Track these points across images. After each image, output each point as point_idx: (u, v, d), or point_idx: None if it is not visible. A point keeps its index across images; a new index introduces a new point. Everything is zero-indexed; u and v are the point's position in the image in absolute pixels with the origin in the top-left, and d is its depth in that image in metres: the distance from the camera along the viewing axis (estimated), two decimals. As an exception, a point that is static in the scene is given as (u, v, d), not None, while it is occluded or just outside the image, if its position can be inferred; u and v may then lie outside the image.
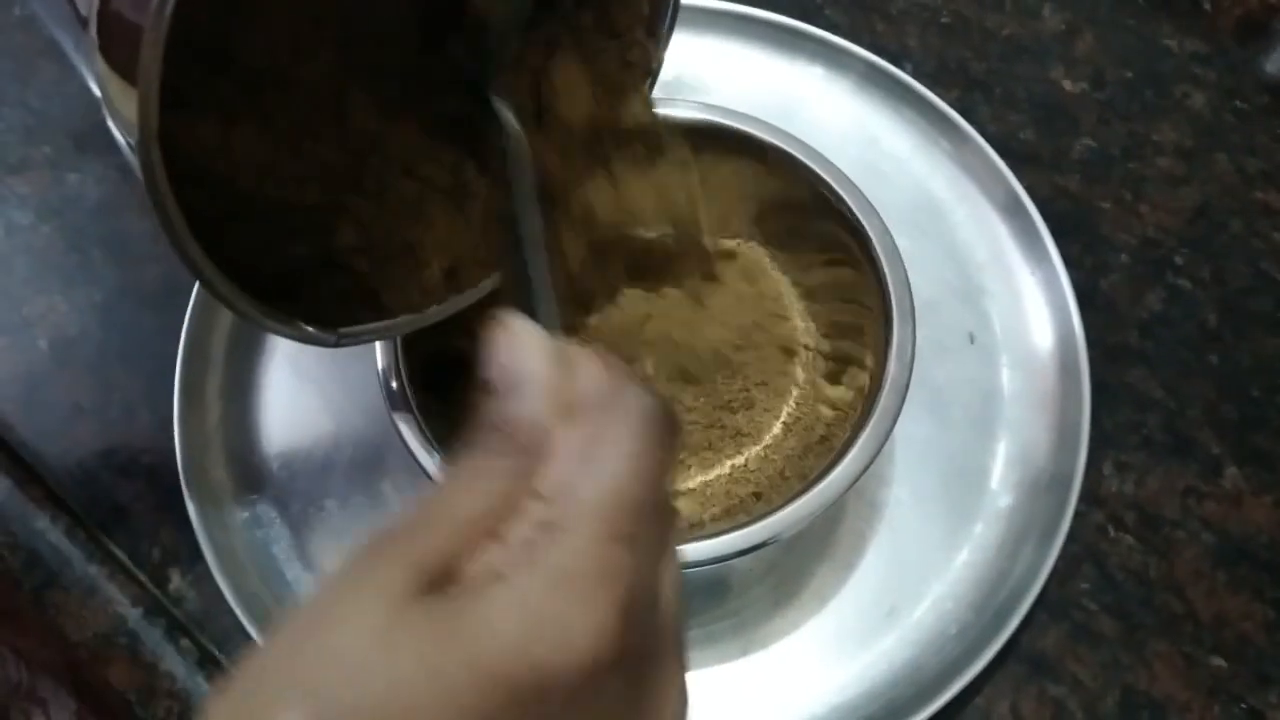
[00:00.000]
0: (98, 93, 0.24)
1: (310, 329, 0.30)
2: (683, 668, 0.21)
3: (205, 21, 0.23)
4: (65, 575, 0.42)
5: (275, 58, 0.30)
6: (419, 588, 0.19)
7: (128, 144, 0.23)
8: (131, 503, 0.44)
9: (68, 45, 0.26)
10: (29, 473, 0.45)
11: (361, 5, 0.32)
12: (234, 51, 0.28)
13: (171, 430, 0.44)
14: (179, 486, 0.42)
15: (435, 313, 0.34)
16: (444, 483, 0.21)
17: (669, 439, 0.21)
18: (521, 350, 0.22)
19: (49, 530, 0.43)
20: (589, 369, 0.22)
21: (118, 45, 0.22)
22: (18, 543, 0.43)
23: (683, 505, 0.39)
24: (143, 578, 0.43)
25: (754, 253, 0.44)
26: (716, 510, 0.39)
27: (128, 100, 0.22)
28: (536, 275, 0.28)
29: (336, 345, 0.32)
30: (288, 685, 0.18)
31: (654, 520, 0.20)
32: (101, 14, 0.22)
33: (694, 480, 0.40)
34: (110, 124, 0.24)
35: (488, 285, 0.36)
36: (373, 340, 0.35)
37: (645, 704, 0.20)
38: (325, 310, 0.31)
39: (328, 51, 0.31)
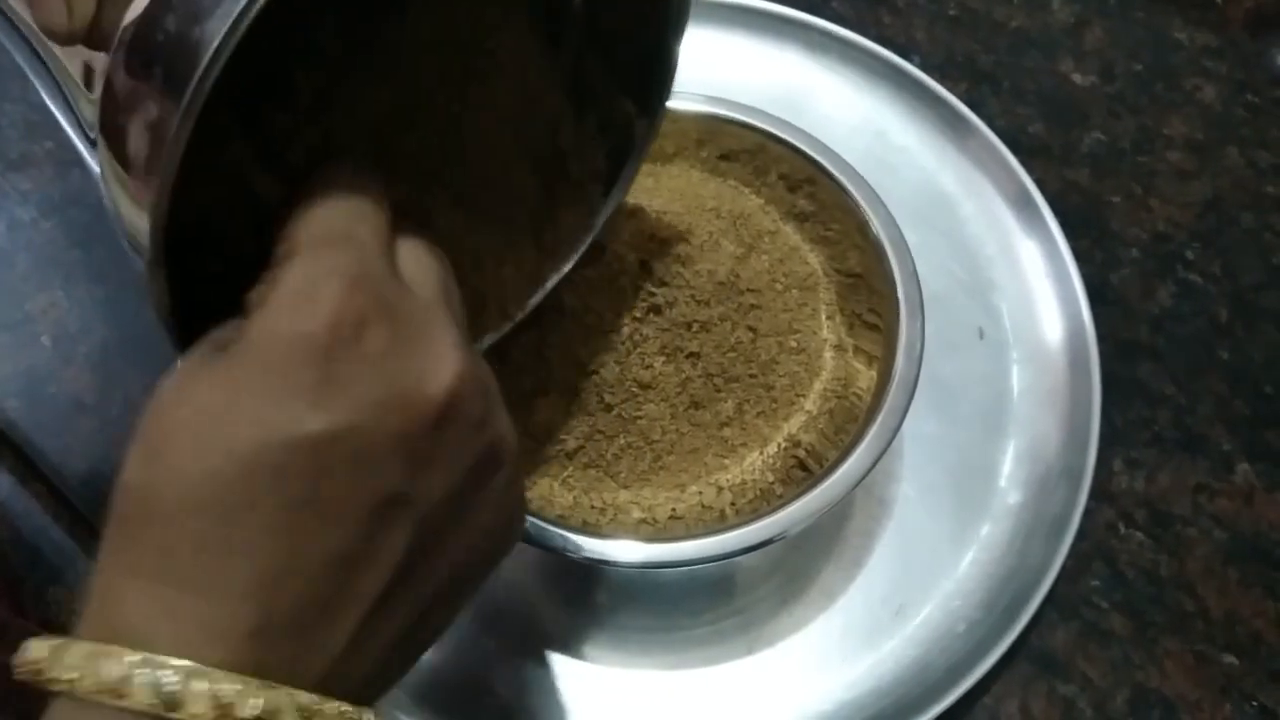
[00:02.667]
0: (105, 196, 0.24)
1: None
2: (452, 328, 0.25)
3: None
4: (67, 572, 0.42)
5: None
6: (211, 349, 0.23)
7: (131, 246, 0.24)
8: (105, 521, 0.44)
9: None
10: (31, 469, 0.45)
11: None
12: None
13: (174, 426, 0.43)
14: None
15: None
16: None
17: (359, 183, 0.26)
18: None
19: (51, 527, 0.43)
20: None
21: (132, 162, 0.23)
22: (19, 540, 0.43)
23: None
24: (145, 575, 0.43)
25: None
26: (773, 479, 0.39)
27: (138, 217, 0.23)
28: None
29: None
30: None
31: (360, 225, 0.25)
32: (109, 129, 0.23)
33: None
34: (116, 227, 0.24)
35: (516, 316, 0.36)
36: None
37: (405, 339, 0.23)
38: None
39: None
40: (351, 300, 0.22)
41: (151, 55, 0.21)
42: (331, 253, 0.23)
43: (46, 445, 0.45)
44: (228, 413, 0.21)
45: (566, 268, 0.37)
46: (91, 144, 0.24)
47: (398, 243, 0.26)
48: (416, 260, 0.26)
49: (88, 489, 0.44)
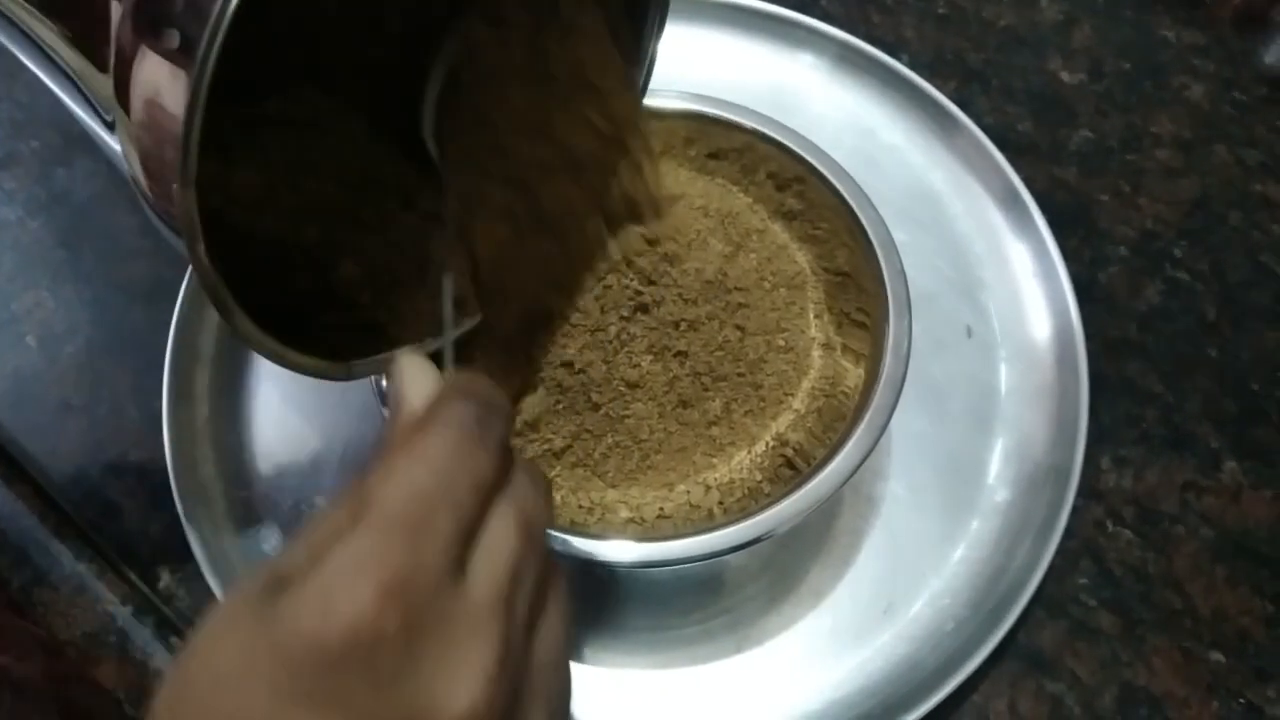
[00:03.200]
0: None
1: (323, 363, 0.30)
2: (495, 642, 0.23)
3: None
4: (54, 573, 0.42)
5: (274, 96, 0.29)
6: (264, 590, 0.22)
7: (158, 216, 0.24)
8: (120, 500, 0.44)
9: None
10: (16, 470, 0.44)
11: (357, 36, 0.31)
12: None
13: (161, 427, 0.43)
14: (168, 483, 0.42)
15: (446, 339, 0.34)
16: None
17: (475, 448, 0.24)
18: (401, 380, 0.26)
19: (37, 528, 0.43)
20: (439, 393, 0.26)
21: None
22: (5, 540, 0.42)
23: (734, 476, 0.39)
24: (132, 576, 0.42)
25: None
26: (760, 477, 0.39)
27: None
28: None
29: (349, 379, 0.31)
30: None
31: (442, 511, 0.23)
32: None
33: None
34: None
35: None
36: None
37: (437, 659, 0.22)
38: (334, 343, 0.31)
39: (324, 87, 0.31)
40: (378, 611, 0.21)
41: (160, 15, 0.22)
42: (388, 544, 0.22)
43: (32, 445, 0.45)
44: (237, 695, 0.21)
45: None
46: (109, 126, 0.24)
47: (497, 500, 0.24)
48: (499, 537, 0.24)
49: (74, 489, 0.44)
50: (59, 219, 0.51)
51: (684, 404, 0.38)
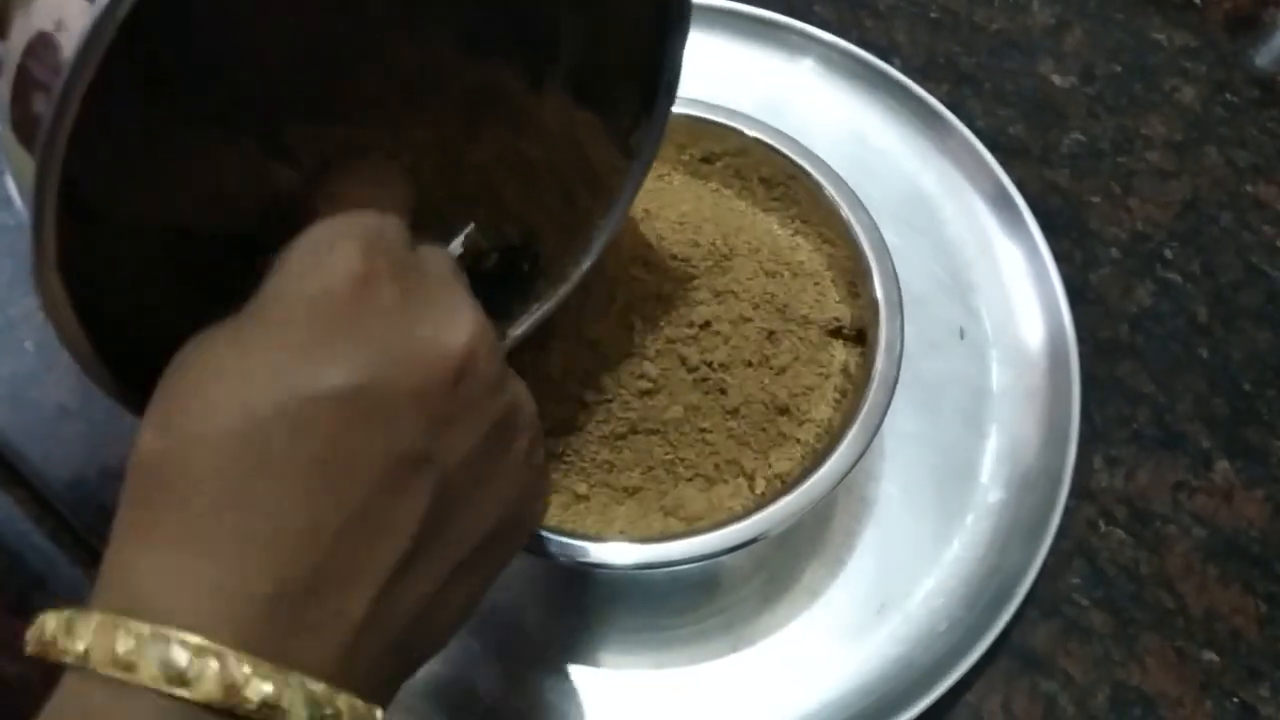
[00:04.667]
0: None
1: None
2: (462, 288, 0.26)
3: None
4: (51, 578, 0.42)
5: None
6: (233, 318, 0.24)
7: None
8: (118, 505, 0.44)
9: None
10: (14, 475, 0.44)
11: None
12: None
13: (157, 431, 0.43)
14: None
15: None
16: None
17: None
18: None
19: (33, 533, 0.43)
20: None
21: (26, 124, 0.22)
22: (2, 545, 0.43)
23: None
24: (129, 580, 0.42)
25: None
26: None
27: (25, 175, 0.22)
28: None
29: None
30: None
31: (382, 190, 0.26)
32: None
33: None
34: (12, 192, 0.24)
35: None
36: None
37: (420, 299, 0.24)
38: None
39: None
40: (368, 258, 0.23)
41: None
42: (349, 216, 0.24)
43: (29, 450, 0.45)
44: (243, 372, 0.22)
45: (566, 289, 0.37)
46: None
47: (415, 235, 0.26)
48: (430, 246, 0.27)
49: (71, 494, 0.44)
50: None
51: (680, 427, 0.38)
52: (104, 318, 0.24)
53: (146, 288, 0.28)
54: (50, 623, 0.20)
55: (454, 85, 0.32)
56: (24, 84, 0.22)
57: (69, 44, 0.20)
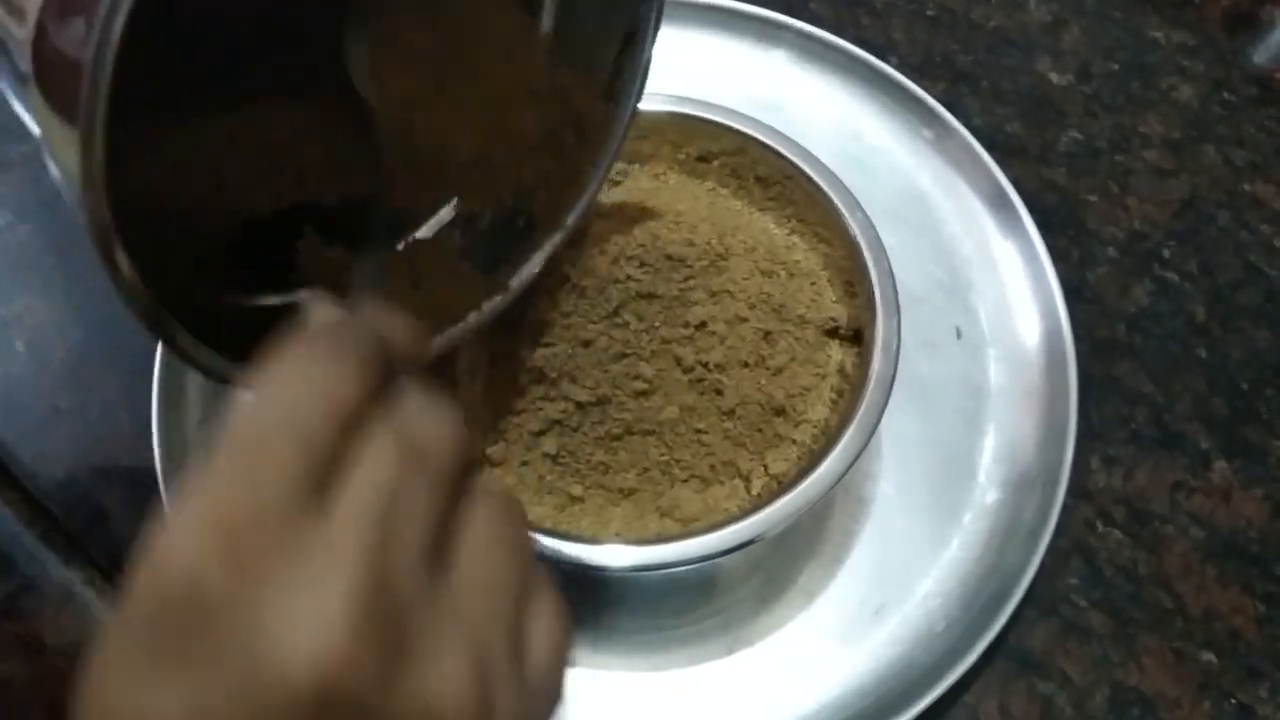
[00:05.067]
0: (38, 134, 0.23)
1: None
2: (356, 570, 0.19)
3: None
4: (41, 580, 0.42)
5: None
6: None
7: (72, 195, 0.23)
8: (110, 506, 0.44)
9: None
10: (5, 476, 0.44)
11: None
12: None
13: (151, 433, 0.43)
14: (158, 490, 0.42)
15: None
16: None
17: (328, 367, 0.21)
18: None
19: (24, 534, 0.43)
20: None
21: (59, 91, 0.22)
22: (-6, 547, 0.42)
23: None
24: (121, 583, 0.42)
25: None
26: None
27: (69, 149, 0.21)
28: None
29: None
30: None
31: (281, 437, 0.19)
32: (38, 58, 0.22)
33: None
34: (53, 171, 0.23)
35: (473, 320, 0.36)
36: None
37: (269, 618, 0.18)
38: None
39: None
40: (198, 553, 0.18)
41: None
42: (214, 480, 0.19)
43: (21, 451, 0.45)
44: (105, 684, 0.19)
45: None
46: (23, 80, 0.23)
47: (370, 421, 0.21)
48: (370, 458, 0.20)
49: (62, 495, 0.44)
50: (49, 224, 0.51)
51: (677, 428, 0.38)
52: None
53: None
54: None
55: (447, 41, 0.32)
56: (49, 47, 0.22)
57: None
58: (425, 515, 0.21)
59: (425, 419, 0.22)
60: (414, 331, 0.24)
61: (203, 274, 0.29)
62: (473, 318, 0.36)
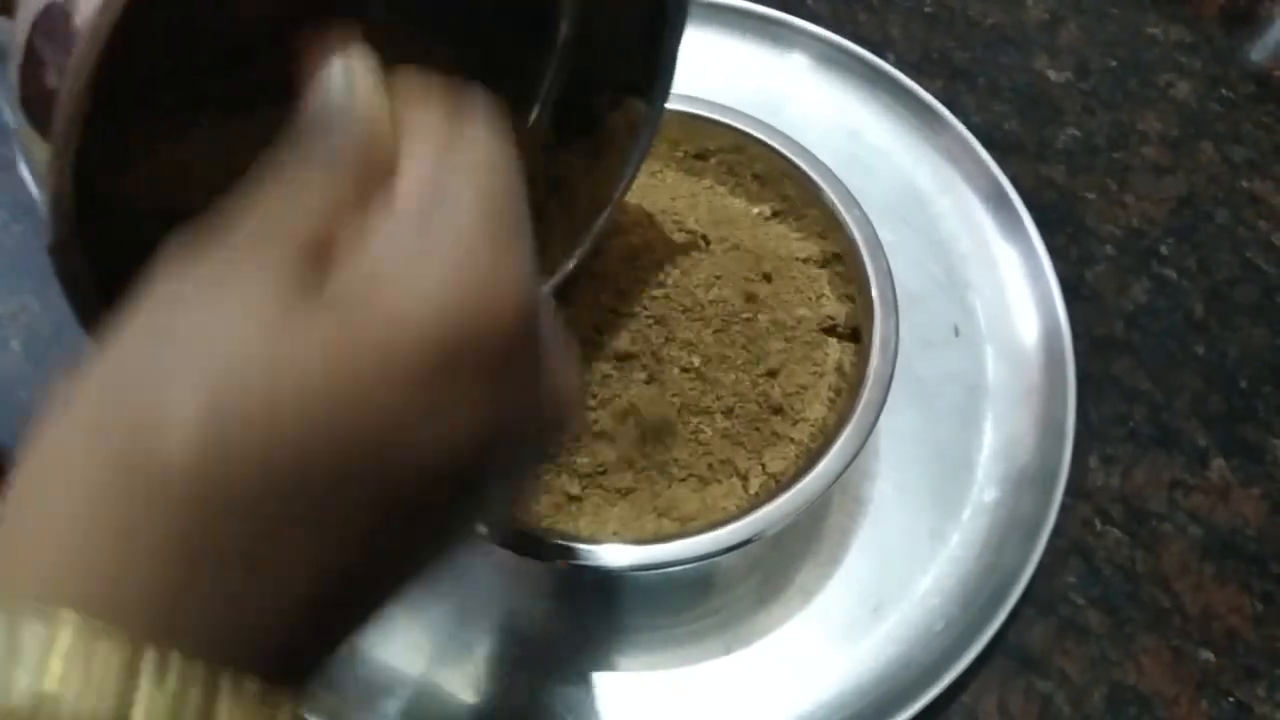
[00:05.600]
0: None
1: None
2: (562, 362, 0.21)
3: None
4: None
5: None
6: (301, 267, 0.18)
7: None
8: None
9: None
10: (0, 476, 0.44)
11: None
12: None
13: (146, 431, 0.43)
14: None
15: None
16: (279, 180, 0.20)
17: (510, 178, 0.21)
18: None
19: (21, 535, 0.42)
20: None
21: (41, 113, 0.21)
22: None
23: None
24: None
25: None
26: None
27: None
28: None
29: None
30: (175, 370, 0.17)
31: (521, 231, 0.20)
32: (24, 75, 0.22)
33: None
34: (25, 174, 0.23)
35: None
36: None
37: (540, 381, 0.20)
38: None
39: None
40: (527, 313, 0.19)
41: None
42: (504, 233, 0.19)
43: (16, 451, 0.45)
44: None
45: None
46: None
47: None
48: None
49: (58, 495, 0.44)
50: (44, 222, 0.51)
51: (670, 432, 0.38)
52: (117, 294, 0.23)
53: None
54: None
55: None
56: (34, 61, 0.21)
57: (83, 11, 0.20)
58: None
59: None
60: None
61: None
62: None
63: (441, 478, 0.19)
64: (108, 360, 0.18)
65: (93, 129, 0.20)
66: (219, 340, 0.18)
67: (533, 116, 0.36)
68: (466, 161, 0.20)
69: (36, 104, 0.21)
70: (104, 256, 0.23)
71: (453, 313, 0.18)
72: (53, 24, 0.20)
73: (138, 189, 0.27)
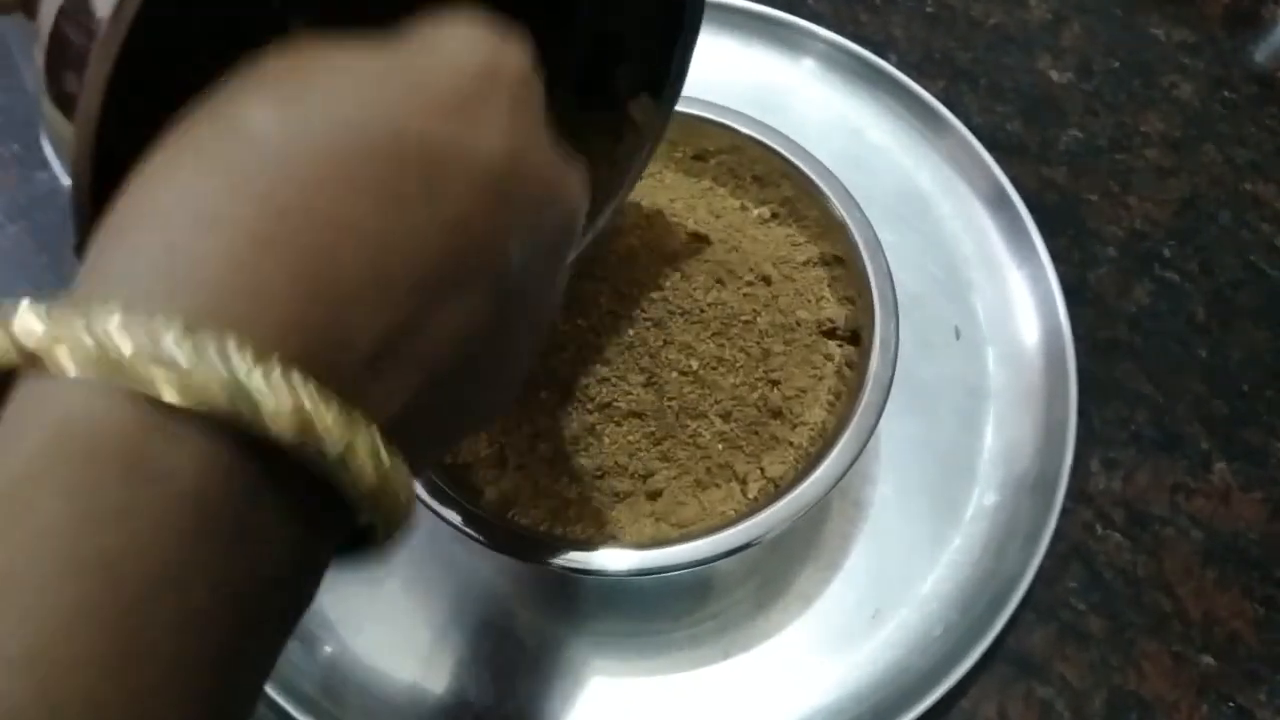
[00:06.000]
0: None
1: None
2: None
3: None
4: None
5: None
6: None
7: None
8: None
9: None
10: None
11: None
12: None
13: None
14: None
15: None
16: None
17: None
18: None
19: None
20: None
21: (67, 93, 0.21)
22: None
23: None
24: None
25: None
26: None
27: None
28: None
29: None
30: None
31: None
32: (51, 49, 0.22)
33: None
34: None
35: None
36: None
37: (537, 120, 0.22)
38: None
39: None
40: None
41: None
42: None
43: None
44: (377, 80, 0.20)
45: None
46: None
47: None
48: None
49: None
50: (39, 223, 0.51)
51: (669, 435, 0.37)
52: None
53: None
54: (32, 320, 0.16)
55: None
56: (59, 51, 0.21)
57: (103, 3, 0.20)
58: None
59: None
60: None
61: None
62: None
63: (490, 182, 0.20)
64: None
65: (119, 109, 0.20)
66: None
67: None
68: None
69: (62, 95, 0.21)
70: None
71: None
72: (78, 10, 0.20)
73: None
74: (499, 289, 0.21)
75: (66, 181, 0.22)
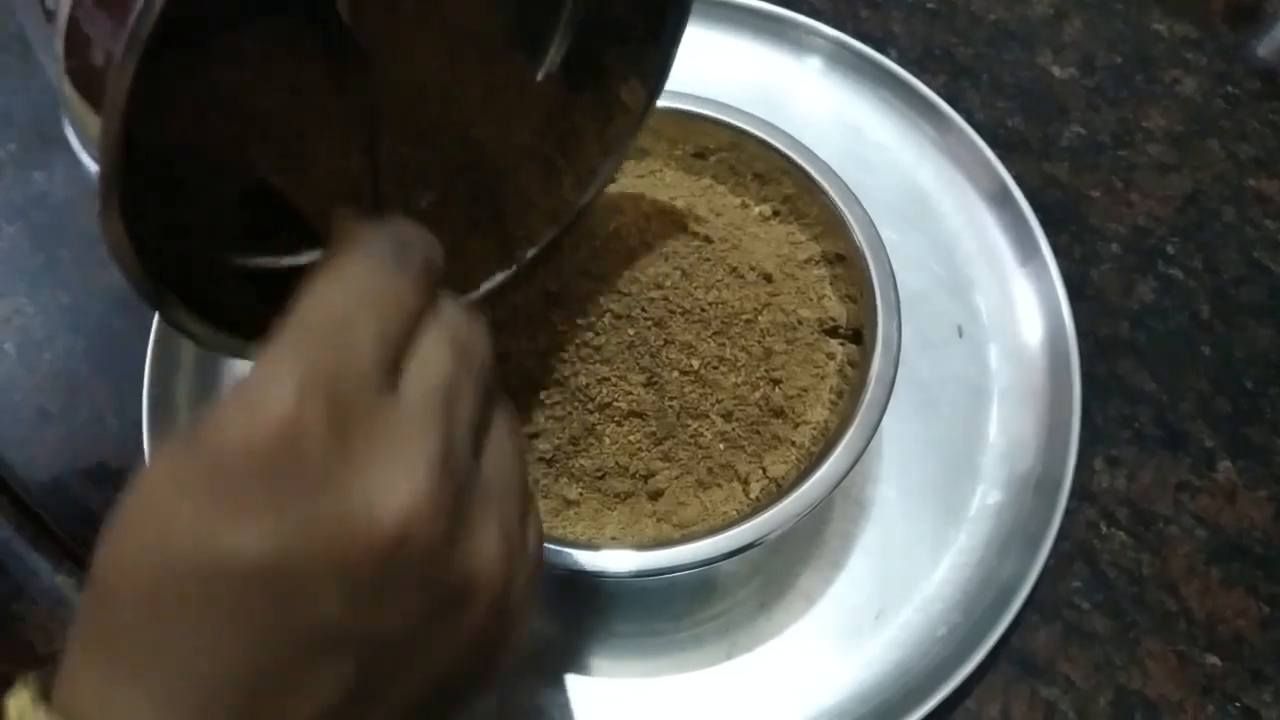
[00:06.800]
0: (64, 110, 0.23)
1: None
2: (434, 442, 0.22)
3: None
4: (32, 586, 0.41)
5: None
6: (191, 424, 0.21)
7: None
8: (100, 510, 0.43)
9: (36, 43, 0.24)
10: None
11: None
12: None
13: (140, 435, 0.42)
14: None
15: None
16: None
17: (394, 271, 0.23)
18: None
19: (14, 539, 0.42)
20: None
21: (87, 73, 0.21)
22: (-18, 553, 0.42)
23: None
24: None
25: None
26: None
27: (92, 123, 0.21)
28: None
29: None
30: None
31: (364, 319, 0.22)
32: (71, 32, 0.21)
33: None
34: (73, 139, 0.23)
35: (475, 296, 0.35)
36: None
37: (362, 456, 0.21)
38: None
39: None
40: (302, 407, 0.20)
41: None
42: (307, 348, 0.21)
43: (10, 455, 0.44)
44: (170, 518, 0.20)
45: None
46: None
47: (424, 322, 0.23)
48: (430, 352, 0.23)
49: (52, 500, 0.43)
50: (36, 224, 0.50)
51: (668, 435, 0.37)
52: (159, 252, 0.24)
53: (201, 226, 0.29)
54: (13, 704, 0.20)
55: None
56: (79, 31, 0.21)
57: None
58: (472, 405, 0.24)
59: (467, 324, 0.25)
60: (440, 249, 0.26)
61: (199, 236, 0.29)
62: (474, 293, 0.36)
63: (403, 639, 0.22)
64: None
65: (140, 87, 0.20)
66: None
67: (543, 68, 0.36)
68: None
69: (82, 75, 0.21)
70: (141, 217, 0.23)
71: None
72: None
73: (170, 127, 0.27)
74: (345, 660, 0.21)
75: (86, 160, 0.22)
